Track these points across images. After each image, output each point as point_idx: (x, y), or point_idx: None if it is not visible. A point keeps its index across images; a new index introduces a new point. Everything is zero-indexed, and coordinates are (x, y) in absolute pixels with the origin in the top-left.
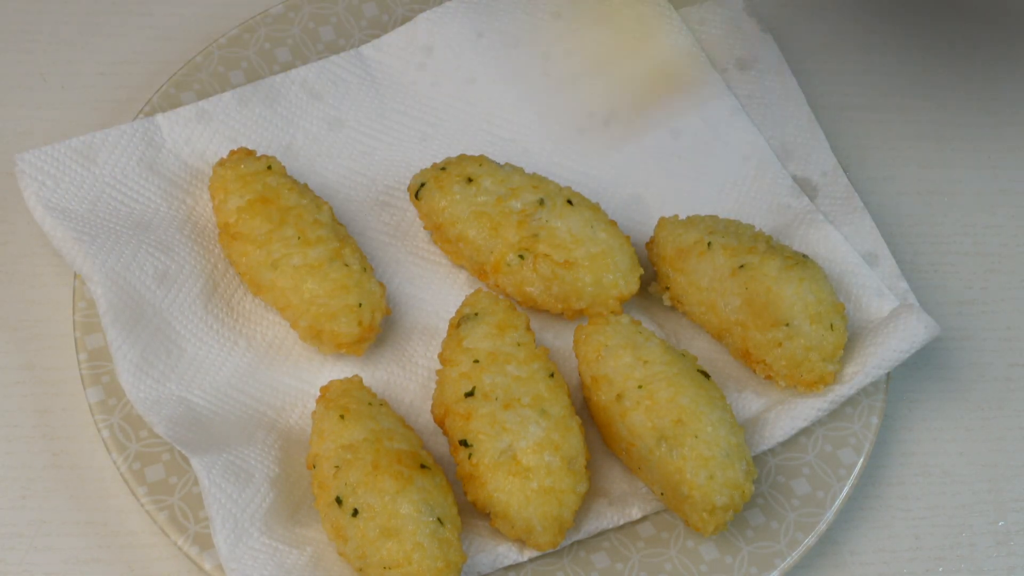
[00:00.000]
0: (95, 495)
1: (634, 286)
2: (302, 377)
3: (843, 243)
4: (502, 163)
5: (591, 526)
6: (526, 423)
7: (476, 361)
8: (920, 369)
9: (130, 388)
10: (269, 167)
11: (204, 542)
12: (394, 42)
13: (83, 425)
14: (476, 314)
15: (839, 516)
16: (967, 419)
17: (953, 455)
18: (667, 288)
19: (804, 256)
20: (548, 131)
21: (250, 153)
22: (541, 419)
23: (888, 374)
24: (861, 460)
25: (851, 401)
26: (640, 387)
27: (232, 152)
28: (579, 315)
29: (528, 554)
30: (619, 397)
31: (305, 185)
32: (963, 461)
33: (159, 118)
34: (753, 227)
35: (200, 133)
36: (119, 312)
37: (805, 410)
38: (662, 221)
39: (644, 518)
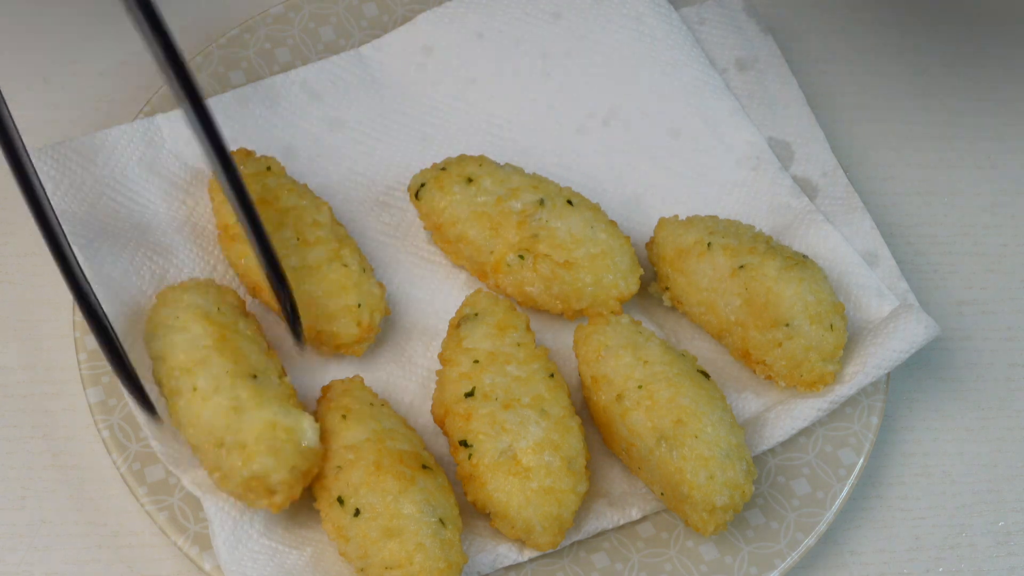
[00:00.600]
0: (95, 495)
1: (634, 286)
2: (302, 378)
3: (843, 243)
4: (502, 163)
5: (591, 526)
6: (526, 423)
7: (476, 361)
8: (920, 369)
9: None
10: (268, 168)
11: (204, 542)
12: (394, 42)
13: (83, 425)
14: (476, 314)
15: (839, 516)
16: (967, 419)
17: (953, 455)
18: (667, 288)
19: (804, 256)
20: (548, 131)
21: (250, 154)
22: (541, 419)
23: (888, 374)
24: (861, 460)
25: (851, 401)
26: (640, 387)
27: (232, 153)
28: (579, 315)
29: (528, 554)
30: (619, 397)
31: (305, 186)
32: (963, 461)
33: (159, 118)
34: (753, 227)
35: None
36: (116, 317)
37: (805, 410)
38: (662, 221)
39: (644, 518)
